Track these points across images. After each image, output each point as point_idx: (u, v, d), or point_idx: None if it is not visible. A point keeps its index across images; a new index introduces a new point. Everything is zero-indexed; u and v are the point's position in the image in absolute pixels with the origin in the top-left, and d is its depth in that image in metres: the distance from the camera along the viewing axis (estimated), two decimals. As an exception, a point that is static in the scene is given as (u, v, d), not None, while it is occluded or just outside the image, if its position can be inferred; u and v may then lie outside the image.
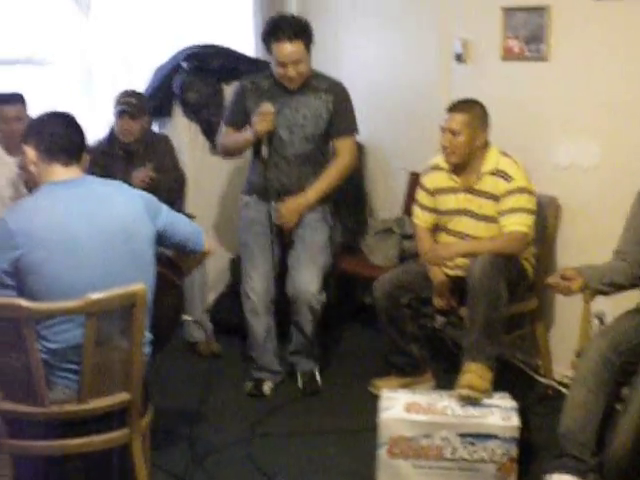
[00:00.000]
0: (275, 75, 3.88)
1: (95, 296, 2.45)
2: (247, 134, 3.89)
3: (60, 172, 2.68)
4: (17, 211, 2.65)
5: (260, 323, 4.06)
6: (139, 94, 4.43)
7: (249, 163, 4.12)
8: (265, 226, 3.98)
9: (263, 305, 4.05)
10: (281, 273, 4.07)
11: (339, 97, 3.91)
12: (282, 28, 3.77)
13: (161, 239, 2.81)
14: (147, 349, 2.73)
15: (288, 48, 3.75)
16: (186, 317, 4.15)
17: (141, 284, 2.55)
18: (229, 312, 4.72)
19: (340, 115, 3.91)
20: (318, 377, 4.12)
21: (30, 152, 2.71)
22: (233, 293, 4.83)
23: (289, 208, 3.91)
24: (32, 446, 2.61)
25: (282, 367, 4.16)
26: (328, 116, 3.89)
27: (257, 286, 4.03)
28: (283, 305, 4.08)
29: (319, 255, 3.99)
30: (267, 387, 4.08)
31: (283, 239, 4.01)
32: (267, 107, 3.80)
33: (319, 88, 3.89)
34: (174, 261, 3.03)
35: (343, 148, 3.96)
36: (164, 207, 2.86)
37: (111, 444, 2.67)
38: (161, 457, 3.26)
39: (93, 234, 2.59)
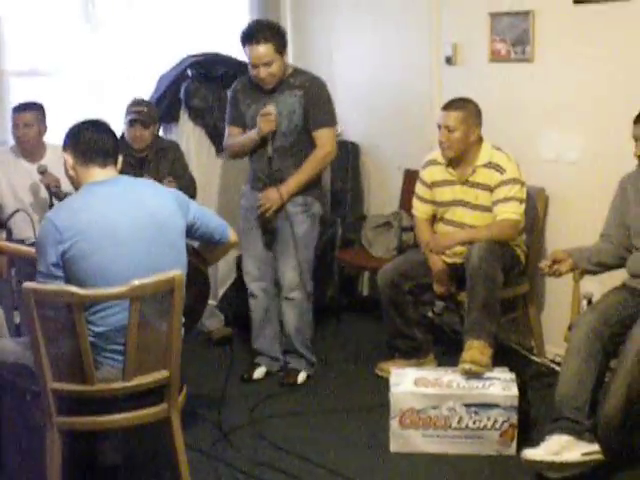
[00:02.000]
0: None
1: (138, 282, 2.70)
2: (252, 134, 4.10)
3: (98, 173, 2.93)
4: (61, 210, 2.90)
5: (257, 305, 4.27)
6: (149, 103, 4.64)
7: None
8: (255, 213, 4.16)
9: (258, 288, 4.26)
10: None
11: (311, 92, 4.04)
12: (253, 32, 3.99)
13: (190, 231, 3.07)
14: (182, 332, 2.99)
15: (258, 50, 3.96)
16: (211, 302, 4.39)
17: (178, 270, 2.81)
18: (236, 305, 5.00)
19: (315, 108, 4.05)
20: (302, 377, 4.23)
21: (69, 158, 2.95)
22: (239, 288, 5.11)
23: (268, 196, 4.05)
24: (80, 422, 2.86)
25: (281, 354, 4.32)
26: (301, 111, 4.04)
27: (251, 270, 4.27)
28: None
29: (300, 247, 4.12)
30: (258, 373, 4.28)
31: (267, 228, 4.15)
32: (269, 109, 4.00)
33: (293, 85, 4.06)
34: (199, 252, 3.30)
35: (321, 139, 4.07)
36: (193, 202, 3.13)
37: (152, 418, 2.91)
38: (189, 437, 3.42)
39: (131, 227, 2.84)
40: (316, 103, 4.06)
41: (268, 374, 4.31)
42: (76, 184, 2.99)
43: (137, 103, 4.53)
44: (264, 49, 3.95)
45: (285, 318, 4.22)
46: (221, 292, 5.06)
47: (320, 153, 4.07)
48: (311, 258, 4.23)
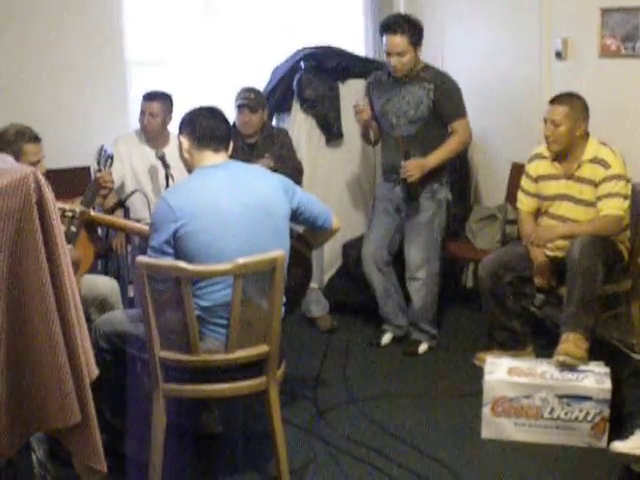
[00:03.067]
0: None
1: (242, 260, 2.86)
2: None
3: (211, 158, 3.11)
4: (175, 191, 3.10)
5: (375, 280, 4.62)
6: (257, 90, 4.83)
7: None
8: (385, 202, 4.55)
9: (373, 266, 4.60)
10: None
11: (440, 86, 4.35)
12: (390, 23, 4.31)
13: (295, 216, 3.22)
14: (282, 310, 3.14)
15: (393, 40, 4.27)
16: (313, 285, 4.56)
17: (281, 251, 2.96)
18: (341, 292, 5.14)
19: (447, 102, 4.37)
20: (423, 347, 4.55)
21: (185, 141, 3.14)
22: (344, 275, 5.25)
23: (413, 164, 4.29)
24: (185, 389, 3.05)
25: (406, 322, 4.65)
26: (429, 103, 4.34)
27: (369, 249, 4.62)
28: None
29: (422, 230, 4.47)
30: (386, 338, 4.66)
31: (410, 194, 4.39)
32: (356, 102, 4.45)
33: (424, 78, 4.36)
34: (303, 236, 3.45)
35: (457, 129, 4.40)
36: (298, 188, 3.27)
37: (252, 390, 3.08)
38: (286, 413, 3.60)
39: (239, 209, 3.00)
40: (448, 97, 4.37)
41: (394, 340, 4.67)
42: (190, 166, 3.18)
43: (246, 90, 4.75)
44: (399, 40, 4.25)
45: (413, 296, 4.54)
46: (326, 278, 5.20)
47: (458, 138, 4.40)
48: (438, 240, 4.53)
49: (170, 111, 4.65)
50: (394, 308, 4.65)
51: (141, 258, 2.91)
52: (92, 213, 3.41)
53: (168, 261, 2.92)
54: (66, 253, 2.17)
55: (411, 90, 4.36)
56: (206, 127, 3.12)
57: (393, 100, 4.42)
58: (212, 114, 3.19)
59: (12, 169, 2.17)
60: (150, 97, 4.63)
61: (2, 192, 2.07)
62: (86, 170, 4.86)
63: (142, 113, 4.63)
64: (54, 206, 2.16)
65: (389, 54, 4.31)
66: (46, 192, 2.13)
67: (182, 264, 2.86)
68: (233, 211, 3.00)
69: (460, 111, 4.41)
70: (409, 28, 4.27)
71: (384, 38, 4.32)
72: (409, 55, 4.28)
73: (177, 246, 2.96)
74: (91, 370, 2.25)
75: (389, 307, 4.65)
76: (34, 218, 2.10)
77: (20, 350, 2.14)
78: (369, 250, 4.61)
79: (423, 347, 4.55)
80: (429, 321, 4.57)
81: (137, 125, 4.73)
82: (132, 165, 4.66)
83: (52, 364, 2.15)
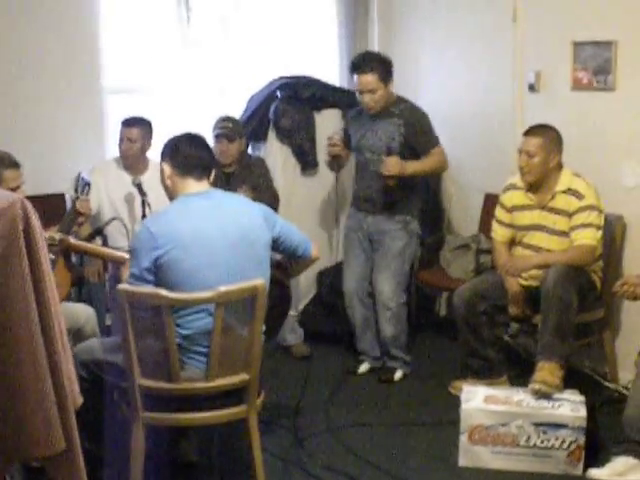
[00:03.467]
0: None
1: (224, 288, 2.88)
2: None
3: (193, 185, 3.12)
4: (157, 218, 3.11)
5: (356, 315, 4.63)
6: (234, 119, 4.86)
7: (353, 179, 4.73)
8: (358, 232, 4.58)
9: (356, 299, 4.61)
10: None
11: (409, 121, 4.39)
12: (360, 62, 4.36)
13: (275, 245, 3.25)
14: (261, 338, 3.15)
15: (364, 79, 4.31)
16: (291, 312, 4.58)
17: (261, 279, 2.98)
18: (316, 320, 5.16)
19: (418, 137, 4.41)
20: (398, 375, 4.57)
21: (167, 168, 3.15)
22: (319, 303, 5.28)
23: (393, 160, 4.31)
24: (165, 418, 3.05)
25: (382, 355, 4.65)
26: (400, 139, 4.37)
27: (351, 285, 4.63)
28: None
29: (394, 260, 4.49)
30: (363, 368, 4.67)
31: (384, 190, 4.43)
32: (332, 134, 4.54)
33: (394, 113, 4.40)
34: (282, 265, 3.47)
35: (433, 155, 4.44)
36: (279, 217, 3.30)
37: (231, 418, 3.09)
38: (264, 441, 3.56)
39: (222, 238, 3.02)
40: (418, 131, 4.41)
41: (371, 370, 4.68)
42: (171, 193, 3.19)
43: (223, 119, 4.76)
44: (369, 78, 4.30)
45: (382, 327, 4.54)
46: (301, 306, 5.22)
47: (437, 158, 4.47)
48: (406, 272, 4.57)
49: (149, 137, 4.64)
50: (372, 340, 4.66)
51: (122, 286, 2.91)
52: (71, 241, 3.40)
53: (149, 289, 2.92)
54: (52, 280, 2.17)
55: (382, 126, 4.42)
56: (189, 155, 3.14)
57: (367, 136, 4.48)
58: (195, 141, 3.22)
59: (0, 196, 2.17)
60: (129, 123, 4.62)
61: (-12, 219, 2.07)
62: (61, 197, 4.83)
63: (121, 139, 4.63)
64: (41, 234, 2.16)
65: (361, 92, 4.36)
66: (33, 219, 2.13)
67: (163, 292, 2.87)
68: (215, 239, 3.02)
69: (433, 141, 4.47)
70: (379, 65, 4.33)
71: (355, 77, 4.37)
72: (380, 92, 4.33)
73: (158, 274, 2.97)
74: (75, 398, 2.24)
75: (367, 339, 4.67)
76: (21, 245, 2.10)
77: (4, 376, 2.13)
78: (351, 285, 4.62)
79: (398, 374, 4.57)
80: (402, 348, 4.59)
81: (113, 153, 4.73)
82: (108, 193, 4.64)
83: (37, 391, 2.13)
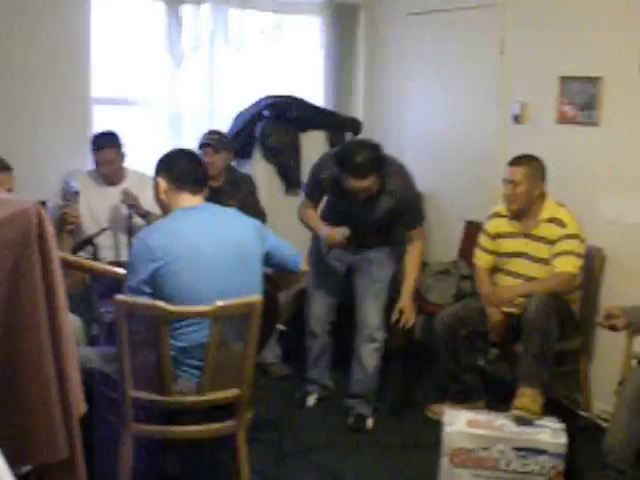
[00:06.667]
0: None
1: (221, 303, 2.90)
2: (318, 228, 4.26)
3: (188, 199, 3.15)
4: (154, 231, 3.12)
5: (316, 344, 4.51)
6: (221, 132, 4.89)
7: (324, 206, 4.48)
8: (336, 261, 4.38)
9: (321, 329, 4.49)
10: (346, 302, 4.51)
11: (399, 200, 4.13)
12: (353, 169, 3.93)
13: (266, 259, 3.28)
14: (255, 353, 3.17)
15: (359, 184, 3.96)
16: (280, 326, 4.59)
17: (258, 296, 3.01)
18: (292, 339, 5.17)
19: (405, 212, 4.22)
20: (370, 423, 4.30)
21: (162, 183, 3.18)
22: (296, 323, 5.29)
23: (408, 307, 4.18)
24: (154, 430, 3.06)
25: (331, 383, 4.58)
26: (390, 214, 4.18)
27: (317, 312, 4.49)
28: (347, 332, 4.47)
29: (382, 291, 4.34)
30: (312, 399, 4.55)
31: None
32: (343, 232, 4.10)
33: (384, 191, 4.11)
34: (272, 278, 3.49)
35: (413, 236, 4.30)
36: (270, 232, 3.34)
37: (221, 433, 3.10)
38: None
39: (218, 252, 3.05)
40: (407, 208, 4.21)
41: (319, 400, 4.56)
42: (166, 208, 3.21)
43: (210, 132, 4.82)
44: (366, 183, 3.97)
45: (365, 360, 4.31)
46: (280, 327, 5.23)
47: (416, 251, 4.31)
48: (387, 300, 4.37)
49: (121, 148, 4.62)
50: (324, 368, 4.57)
51: (121, 297, 2.91)
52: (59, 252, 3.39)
53: (148, 300, 2.93)
54: (63, 289, 2.19)
55: (369, 203, 4.13)
56: (184, 169, 3.17)
57: (354, 205, 4.15)
58: (189, 156, 3.26)
59: (14, 201, 2.19)
60: (99, 147, 4.56)
61: (2, 223, 2.08)
62: (42, 205, 4.80)
63: (97, 163, 4.60)
64: (54, 241, 2.18)
65: (355, 192, 4.02)
66: (47, 226, 2.15)
67: (162, 304, 2.88)
68: (211, 252, 3.05)
69: (420, 219, 4.32)
70: (371, 171, 3.95)
71: (345, 177, 3.99)
72: (374, 185, 4.02)
73: (155, 286, 2.98)
74: (80, 405, 2.25)
75: (321, 367, 4.56)
76: (34, 251, 2.11)
77: (10, 381, 2.13)
78: (319, 311, 4.48)
79: (370, 422, 4.30)
80: (375, 391, 4.37)
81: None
82: (89, 206, 4.63)
83: (42, 397, 2.14)
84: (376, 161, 3.98)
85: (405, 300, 4.21)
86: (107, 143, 4.58)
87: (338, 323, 4.56)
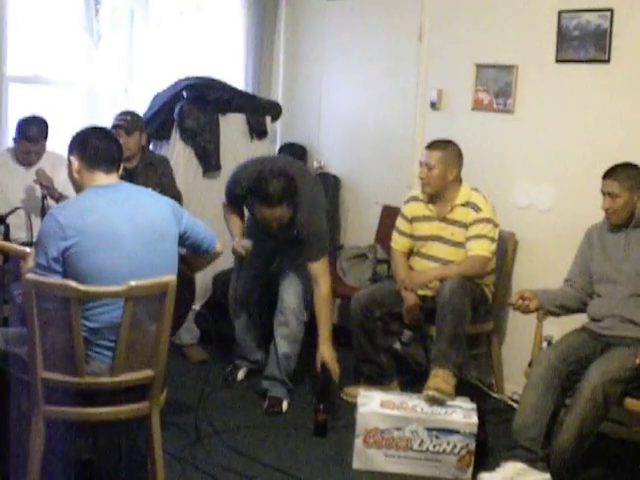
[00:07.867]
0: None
1: (135, 283, 2.86)
2: (231, 234, 4.42)
3: (102, 178, 3.09)
4: (66, 208, 3.05)
5: (240, 322, 4.57)
6: (134, 113, 4.78)
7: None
8: (261, 245, 4.38)
9: (243, 310, 4.55)
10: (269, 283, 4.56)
11: (306, 230, 4.16)
12: (265, 198, 3.99)
13: (181, 239, 3.25)
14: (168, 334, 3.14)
15: (273, 213, 4.03)
16: (195, 307, 4.56)
17: (172, 276, 2.98)
18: (210, 321, 5.16)
19: (308, 244, 4.20)
20: (285, 405, 4.32)
21: (75, 162, 3.11)
22: (214, 306, 5.28)
23: (332, 358, 4.21)
24: (66, 412, 2.99)
25: (262, 356, 4.60)
26: (295, 235, 4.20)
27: (240, 294, 4.54)
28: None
29: (305, 277, 4.31)
30: (241, 373, 4.66)
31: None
32: (244, 244, 4.28)
33: (294, 220, 4.15)
34: (186, 259, 3.47)
35: (317, 273, 4.22)
36: (185, 212, 3.31)
37: (134, 414, 3.06)
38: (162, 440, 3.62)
39: (131, 231, 3.00)
40: (309, 240, 4.20)
41: (249, 374, 4.66)
42: (79, 186, 3.14)
43: (123, 113, 4.72)
44: (278, 212, 4.02)
45: (276, 342, 4.34)
46: (196, 308, 5.20)
47: (324, 291, 4.23)
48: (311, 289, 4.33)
49: (47, 134, 4.55)
50: (252, 343, 4.63)
51: (30, 275, 2.85)
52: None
53: (59, 280, 2.87)
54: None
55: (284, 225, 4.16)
56: (97, 148, 3.11)
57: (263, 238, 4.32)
58: (103, 135, 3.19)
59: None
60: (31, 139, 4.48)
61: None
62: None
63: (27, 153, 4.51)
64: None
65: (266, 219, 4.08)
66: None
67: (73, 284, 2.82)
68: (125, 232, 3.00)
69: (320, 253, 4.24)
70: (283, 198, 4.00)
71: (256, 204, 4.07)
72: (287, 214, 4.08)
73: (66, 265, 2.92)
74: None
75: (248, 342, 4.61)
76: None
77: None
78: (241, 291, 4.52)
79: (285, 405, 4.33)
80: (288, 374, 4.37)
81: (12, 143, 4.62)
82: (2, 184, 4.54)
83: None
84: (287, 192, 4.01)
85: (325, 351, 4.20)
86: (41, 135, 4.52)
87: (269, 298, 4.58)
